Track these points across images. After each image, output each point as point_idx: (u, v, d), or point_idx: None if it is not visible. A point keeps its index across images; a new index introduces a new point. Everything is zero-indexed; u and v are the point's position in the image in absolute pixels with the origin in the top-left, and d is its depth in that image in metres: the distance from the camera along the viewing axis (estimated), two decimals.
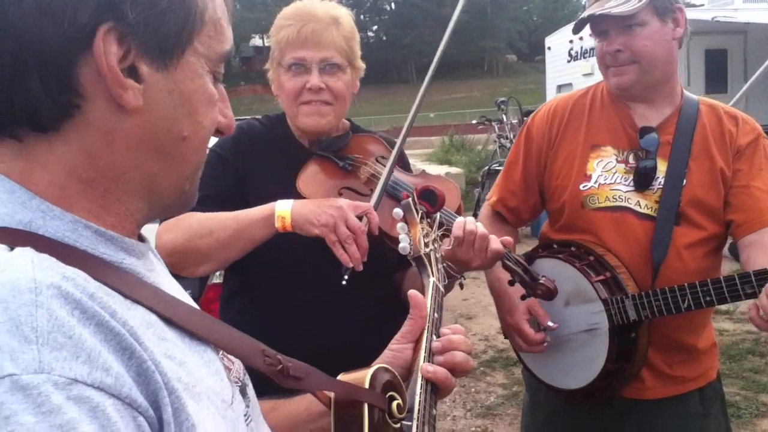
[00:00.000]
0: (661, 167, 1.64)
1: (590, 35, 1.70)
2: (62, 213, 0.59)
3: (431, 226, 1.15)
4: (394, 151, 1.58)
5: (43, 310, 0.50)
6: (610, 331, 1.58)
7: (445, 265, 1.13)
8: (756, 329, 1.60)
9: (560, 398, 1.74)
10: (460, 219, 1.45)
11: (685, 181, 1.62)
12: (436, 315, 0.96)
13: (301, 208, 1.38)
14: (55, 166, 0.60)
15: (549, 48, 13.01)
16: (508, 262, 1.52)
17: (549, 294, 1.53)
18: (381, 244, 1.51)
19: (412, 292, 0.96)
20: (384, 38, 76.02)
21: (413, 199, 1.15)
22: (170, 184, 0.67)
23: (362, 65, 1.63)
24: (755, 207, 1.60)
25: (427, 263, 1.07)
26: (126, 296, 0.58)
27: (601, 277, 1.60)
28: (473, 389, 4.21)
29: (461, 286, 1.57)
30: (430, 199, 1.18)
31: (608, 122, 1.72)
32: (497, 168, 7.56)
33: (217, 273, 3.27)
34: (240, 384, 0.74)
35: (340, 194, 1.55)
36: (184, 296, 0.72)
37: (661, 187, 1.63)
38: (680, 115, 1.67)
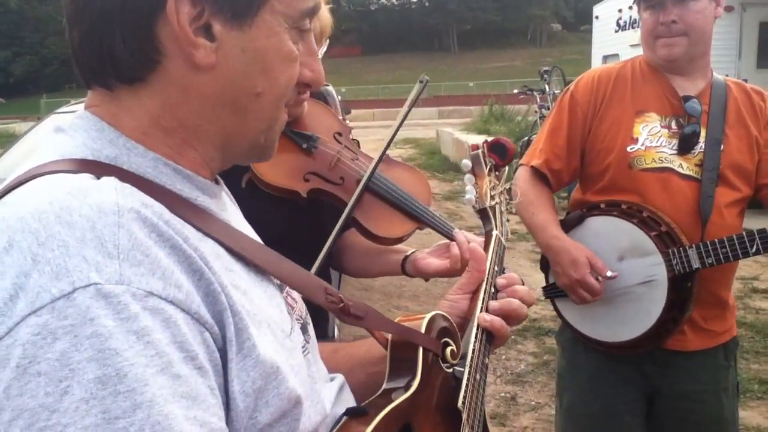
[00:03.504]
0: (702, 133, 1.79)
1: (636, 7, 1.82)
2: (145, 151, 0.64)
3: (498, 179, 1.16)
4: (377, 157, 1.48)
5: (125, 230, 0.54)
6: (669, 280, 1.70)
7: (508, 219, 1.14)
8: None
9: (604, 352, 1.85)
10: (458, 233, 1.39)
11: (722, 146, 1.78)
12: (496, 268, 0.98)
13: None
14: (140, 113, 0.65)
15: (597, 17, 12.68)
16: None
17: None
18: (347, 225, 1.43)
19: (473, 246, 0.99)
20: (427, 4, 74.73)
21: (483, 152, 1.14)
22: (244, 137, 0.70)
23: None
24: None
25: (491, 215, 1.08)
26: (198, 229, 0.62)
27: (656, 232, 1.73)
28: (504, 356, 4.26)
29: None
30: (501, 151, 1.18)
31: (652, 90, 1.85)
32: None
33: None
34: (301, 321, 0.77)
35: (307, 180, 1.45)
36: (254, 235, 0.77)
37: (702, 150, 1.78)
38: (713, 88, 1.83)
